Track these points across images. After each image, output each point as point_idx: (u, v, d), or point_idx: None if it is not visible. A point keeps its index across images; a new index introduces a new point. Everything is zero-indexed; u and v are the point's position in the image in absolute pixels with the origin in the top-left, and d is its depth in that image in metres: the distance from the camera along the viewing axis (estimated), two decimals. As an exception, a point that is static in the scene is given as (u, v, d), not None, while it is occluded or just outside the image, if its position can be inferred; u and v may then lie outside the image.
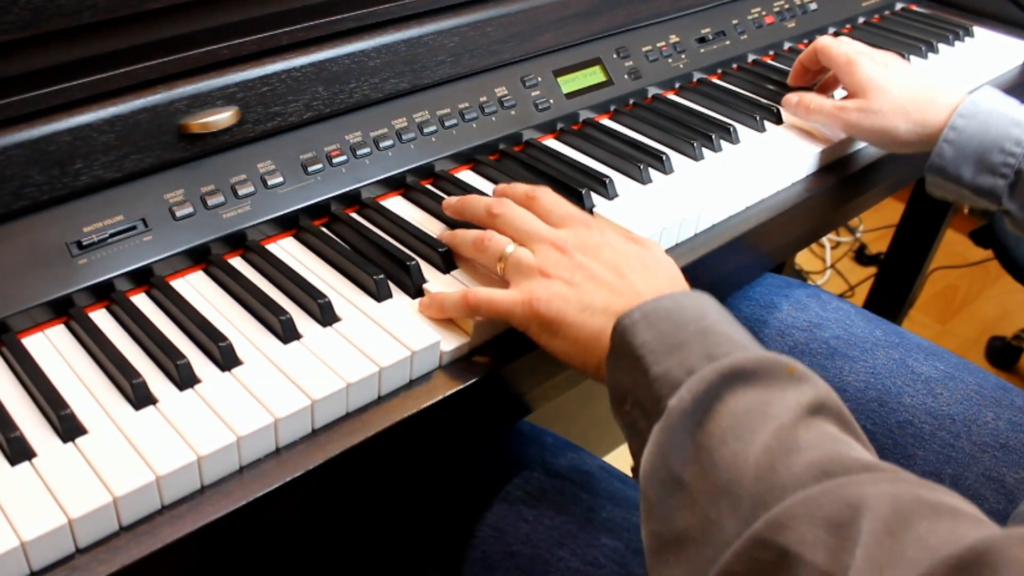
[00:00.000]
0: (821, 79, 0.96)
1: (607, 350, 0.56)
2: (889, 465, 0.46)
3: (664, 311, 0.55)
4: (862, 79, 0.85)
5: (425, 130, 0.78)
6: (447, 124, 0.79)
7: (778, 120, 0.92)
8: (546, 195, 0.68)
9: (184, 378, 0.56)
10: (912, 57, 1.09)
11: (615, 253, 0.62)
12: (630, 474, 0.81)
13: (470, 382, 0.62)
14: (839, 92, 0.95)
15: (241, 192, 0.68)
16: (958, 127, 0.81)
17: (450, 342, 0.62)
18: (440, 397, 0.60)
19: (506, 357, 0.64)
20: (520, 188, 0.69)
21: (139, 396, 0.55)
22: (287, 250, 0.70)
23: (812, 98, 0.89)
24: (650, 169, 0.82)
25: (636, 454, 0.53)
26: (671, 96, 0.96)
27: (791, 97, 0.91)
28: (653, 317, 0.54)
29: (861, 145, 0.93)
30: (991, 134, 0.79)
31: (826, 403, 0.50)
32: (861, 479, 0.43)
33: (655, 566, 0.49)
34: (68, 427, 0.53)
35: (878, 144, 0.87)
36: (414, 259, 0.67)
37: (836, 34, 1.14)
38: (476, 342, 0.64)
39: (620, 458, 1.59)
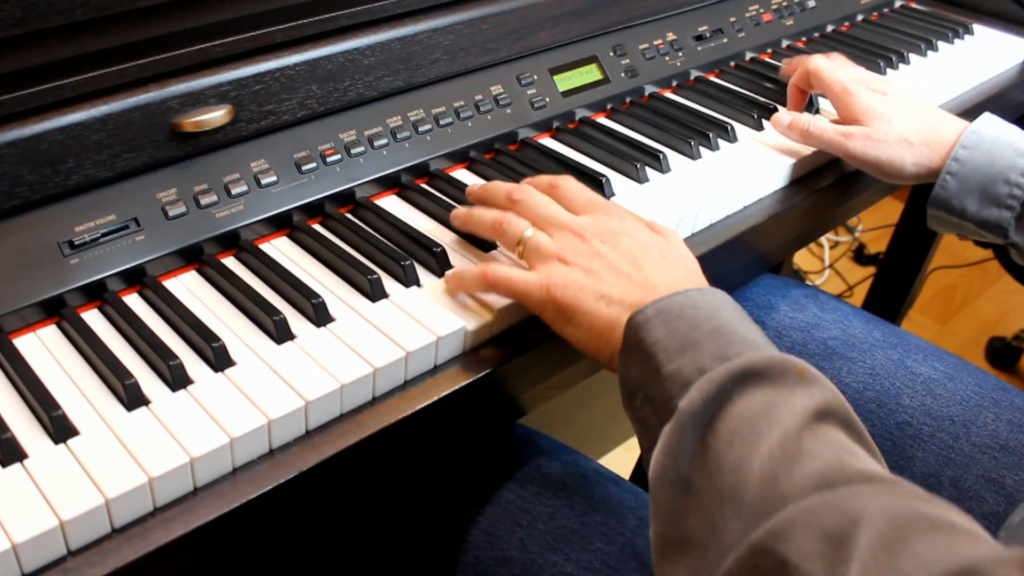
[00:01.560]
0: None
1: (620, 343, 0.57)
2: (891, 476, 0.46)
3: (678, 308, 0.55)
4: (860, 108, 0.82)
5: (420, 129, 0.78)
6: (442, 123, 0.79)
7: (776, 119, 0.92)
8: (568, 182, 0.68)
9: (177, 379, 0.56)
10: (912, 55, 1.09)
11: (633, 242, 0.62)
12: (626, 476, 0.80)
13: (466, 383, 0.61)
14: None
15: (234, 191, 0.68)
16: (961, 158, 0.78)
17: (448, 337, 0.62)
18: (436, 398, 0.60)
19: (503, 358, 0.63)
20: (543, 177, 0.69)
21: (131, 397, 0.54)
22: (281, 250, 0.69)
23: (809, 120, 0.84)
24: (647, 168, 0.82)
25: (646, 449, 0.53)
26: (668, 94, 0.96)
27: (781, 118, 0.86)
28: (667, 315, 0.54)
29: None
30: (995, 165, 0.77)
31: (833, 408, 0.50)
32: (861, 490, 0.43)
33: (660, 565, 0.50)
34: (60, 428, 0.52)
35: (879, 175, 0.84)
36: (409, 259, 0.67)
37: (835, 32, 1.14)
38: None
39: (615, 461, 1.58)
